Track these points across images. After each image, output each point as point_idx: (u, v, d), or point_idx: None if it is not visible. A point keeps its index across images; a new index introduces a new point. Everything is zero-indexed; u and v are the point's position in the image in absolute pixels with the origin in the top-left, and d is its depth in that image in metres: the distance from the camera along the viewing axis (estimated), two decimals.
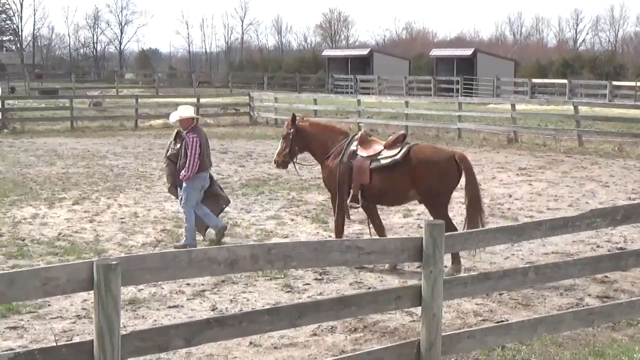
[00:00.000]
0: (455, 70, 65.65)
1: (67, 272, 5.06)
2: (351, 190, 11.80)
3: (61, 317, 9.25)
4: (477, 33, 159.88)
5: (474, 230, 7.34)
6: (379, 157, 11.67)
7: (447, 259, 10.03)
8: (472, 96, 54.45)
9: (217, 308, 9.62)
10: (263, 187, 18.95)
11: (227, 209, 14.11)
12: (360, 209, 12.24)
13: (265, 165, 22.85)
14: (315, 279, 10.90)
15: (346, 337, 8.64)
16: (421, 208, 16.07)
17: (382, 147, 11.77)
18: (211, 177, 13.40)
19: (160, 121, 36.91)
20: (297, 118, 12.63)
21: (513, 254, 12.36)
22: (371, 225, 12.28)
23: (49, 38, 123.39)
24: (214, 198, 13.38)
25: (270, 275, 10.87)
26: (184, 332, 5.57)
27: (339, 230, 12.17)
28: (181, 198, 12.93)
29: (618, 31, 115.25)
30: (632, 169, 22.34)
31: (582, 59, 79.42)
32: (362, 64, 74.49)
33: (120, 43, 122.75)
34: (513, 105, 31.59)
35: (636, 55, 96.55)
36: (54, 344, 5.39)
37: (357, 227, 14.36)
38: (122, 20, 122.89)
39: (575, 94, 52.64)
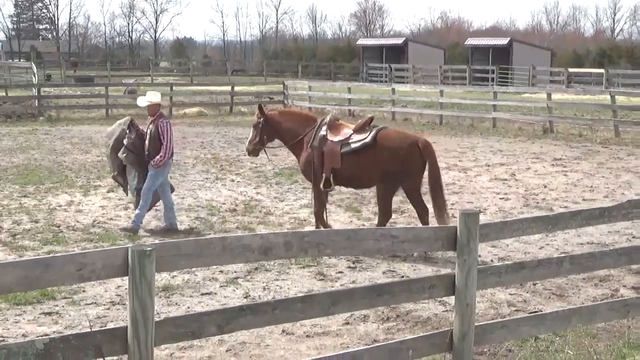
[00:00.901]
0: (491, 59, 65.24)
1: (103, 257, 5.08)
2: (323, 175, 12.06)
3: (95, 303, 9.31)
4: (513, 22, 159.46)
5: (509, 219, 7.28)
6: (349, 142, 11.95)
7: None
8: (507, 85, 54.09)
9: (249, 295, 9.64)
10: (297, 175, 18.93)
11: (260, 197, 14.15)
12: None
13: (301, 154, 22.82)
14: (348, 267, 10.89)
15: (379, 326, 8.63)
16: (454, 198, 16.05)
17: (352, 132, 12.04)
18: None
19: (194, 109, 37.04)
20: (266, 109, 13.00)
21: (547, 244, 12.28)
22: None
23: (84, 26, 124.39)
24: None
25: (303, 263, 10.88)
26: (217, 319, 5.58)
27: (319, 217, 12.42)
28: (131, 185, 13.21)
29: None
30: None
31: (620, 49, 78.66)
32: (396, 53, 74.18)
33: (155, 32, 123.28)
34: (549, 95, 31.33)
35: None
36: (89, 330, 5.41)
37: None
38: (157, 9, 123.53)
39: (612, 83, 52.11)
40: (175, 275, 10.22)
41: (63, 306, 9.17)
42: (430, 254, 11.31)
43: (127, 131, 13.13)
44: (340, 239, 5.97)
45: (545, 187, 17.65)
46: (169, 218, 13.15)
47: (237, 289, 9.92)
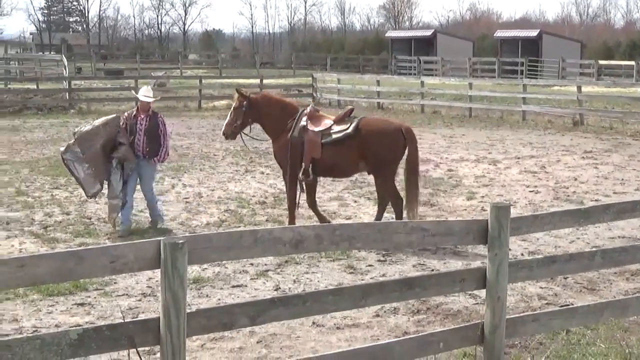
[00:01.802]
0: (520, 51, 64.90)
1: (135, 250, 5.11)
2: (302, 164, 12.16)
3: (127, 294, 9.38)
4: (543, 14, 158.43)
5: (540, 213, 7.25)
6: (330, 132, 12.10)
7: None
8: (537, 78, 53.82)
9: (280, 288, 9.67)
10: None
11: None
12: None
13: None
14: (378, 261, 10.89)
15: (409, 318, 8.63)
16: (484, 190, 16.00)
17: (332, 122, 12.21)
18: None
19: (224, 102, 37.08)
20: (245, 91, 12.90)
21: (578, 238, 12.22)
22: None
23: (114, 19, 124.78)
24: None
25: (333, 256, 10.89)
26: (248, 310, 5.60)
27: (292, 204, 12.51)
28: (117, 187, 12.60)
29: None
30: None
31: None
32: (425, 45, 73.97)
33: (184, 24, 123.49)
34: (579, 87, 31.10)
35: None
36: (122, 321, 5.45)
37: (420, 209, 14.31)
38: (186, 1, 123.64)
39: None
40: (206, 268, 10.27)
41: (95, 297, 9.24)
42: (459, 248, 11.29)
43: (118, 130, 12.65)
44: (371, 232, 5.96)
45: (576, 179, 17.55)
46: (127, 215, 12.71)
47: (267, 281, 9.95)
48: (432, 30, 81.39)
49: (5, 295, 9.07)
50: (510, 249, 6.41)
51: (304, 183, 12.41)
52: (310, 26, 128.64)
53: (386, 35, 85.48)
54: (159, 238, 5.22)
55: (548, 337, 7.84)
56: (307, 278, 10.11)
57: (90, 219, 13.37)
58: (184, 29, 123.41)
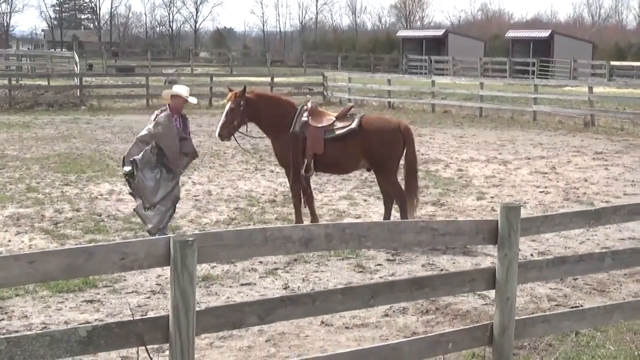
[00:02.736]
0: (531, 51, 64.77)
1: (145, 247, 5.12)
2: (304, 160, 12.14)
3: (136, 292, 9.38)
4: (554, 14, 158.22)
5: (551, 214, 7.23)
6: (333, 128, 12.11)
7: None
8: (548, 78, 53.70)
9: (289, 287, 9.67)
10: None
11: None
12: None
13: None
14: (387, 260, 10.88)
15: (418, 318, 8.62)
16: (494, 191, 15.98)
17: (334, 119, 12.20)
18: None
19: None
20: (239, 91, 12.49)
21: (588, 239, 12.19)
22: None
23: (125, 16, 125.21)
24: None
25: (342, 255, 10.89)
26: (258, 309, 5.59)
27: (298, 201, 12.48)
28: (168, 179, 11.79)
29: None
30: None
31: None
32: (436, 45, 73.90)
33: (196, 22, 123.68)
34: (590, 88, 31.01)
35: None
36: (131, 318, 5.45)
37: (430, 208, 14.32)
38: None
39: None
40: (215, 266, 10.27)
41: (104, 294, 9.25)
42: (468, 247, 11.27)
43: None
44: (381, 231, 5.96)
45: (586, 181, 17.51)
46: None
47: (276, 279, 9.95)
48: (444, 30, 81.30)
49: (15, 291, 9.09)
50: (520, 250, 6.40)
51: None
52: (321, 25, 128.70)
53: (397, 34, 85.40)
54: (169, 235, 5.22)
55: (557, 338, 7.82)
56: (316, 277, 10.11)
57: (100, 215, 13.39)
58: (195, 26, 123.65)
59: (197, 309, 5.28)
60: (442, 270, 10.37)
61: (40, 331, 5.72)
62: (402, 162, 12.48)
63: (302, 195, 12.49)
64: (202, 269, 9.93)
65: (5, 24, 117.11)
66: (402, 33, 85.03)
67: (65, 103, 34.83)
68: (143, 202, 11.49)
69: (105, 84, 42.14)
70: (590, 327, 7.74)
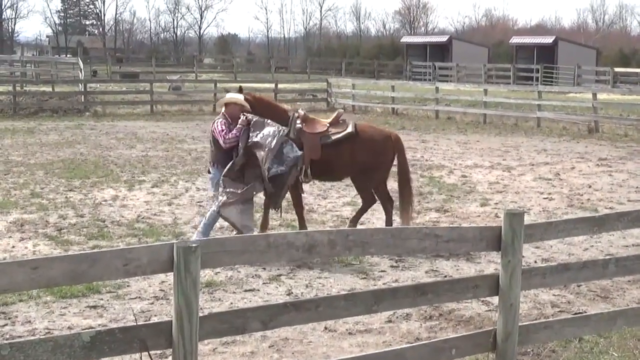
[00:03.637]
0: (536, 58, 64.74)
1: (148, 253, 5.12)
2: (302, 167, 12.07)
3: (140, 297, 9.39)
4: (559, 20, 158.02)
5: (554, 220, 7.23)
6: (328, 134, 12.16)
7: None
8: (552, 85, 53.69)
9: (292, 293, 9.67)
10: None
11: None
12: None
13: None
14: (391, 266, 10.88)
15: (421, 324, 8.62)
16: (498, 197, 15.97)
17: (328, 125, 12.29)
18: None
19: None
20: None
21: (592, 246, 12.18)
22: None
23: (130, 22, 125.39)
24: None
25: (345, 261, 10.89)
26: (261, 315, 5.60)
27: (299, 207, 12.47)
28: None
29: None
30: None
31: None
32: (440, 51, 73.89)
33: (200, 28, 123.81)
34: (594, 95, 31.02)
35: None
36: (134, 324, 5.46)
37: (433, 215, 14.32)
38: (202, 5, 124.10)
39: None
40: (219, 272, 10.28)
41: (108, 300, 9.26)
42: (472, 254, 11.27)
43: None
44: (384, 237, 5.96)
45: (590, 187, 17.50)
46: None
47: (279, 286, 9.95)
48: (448, 36, 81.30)
49: (19, 297, 9.10)
50: (523, 256, 6.40)
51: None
52: (325, 31, 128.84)
53: (401, 40, 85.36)
54: (172, 241, 5.23)
55: (561, 345, 7.81)
56: (320, 283, 10.11)
57: (104, 221, 13.40)
58: (200, 32, 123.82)
59: (200, 314, 5.29)
60: (445, 276, 10.36)
61: (44, 336, 5.73)
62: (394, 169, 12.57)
63: (302, 201, 12.50)
64: (206, 275, 9.94)
65: (10, 30, 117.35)
66: (406, 39, 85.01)
67: (69, 109, 34.90)
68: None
69: (109, 90, 42.26)
70: (593, 334, 7.73)
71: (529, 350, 7.67)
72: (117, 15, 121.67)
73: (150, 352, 5.27)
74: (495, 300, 6.85)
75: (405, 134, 28.27)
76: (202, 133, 27.76)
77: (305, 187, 12.87)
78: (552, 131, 29.39)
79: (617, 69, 57.01)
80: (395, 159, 12.52)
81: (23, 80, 46.30)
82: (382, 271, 10.65)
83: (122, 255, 5.06)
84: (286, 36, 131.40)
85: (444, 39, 78.41)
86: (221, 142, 11.59)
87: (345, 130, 12.13)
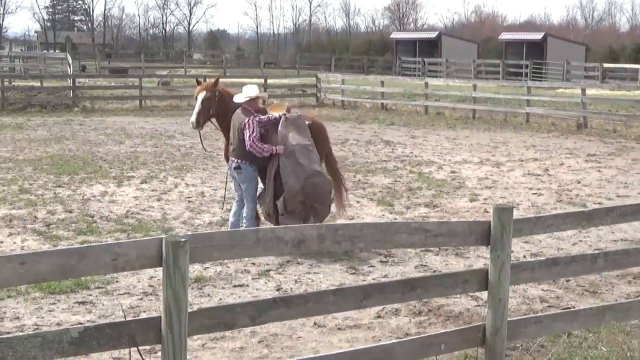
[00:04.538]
0: (525, 54, 64.86)
1: (137, 248, 5.11)
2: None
3: (128, 293, 9.37)
4: (548, 17, 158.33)
5: (543, 215, 7.24)
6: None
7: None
8: (541, 80, 53.76)
9: (282, 288, 9.67)
10: None
11: None
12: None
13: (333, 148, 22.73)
14: (380, 262, 10.88)
15: (410, 320, 8.62)
16: (487, 193, 15.99)
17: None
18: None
19: None
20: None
21: (581, 240, 12.20)
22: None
23: (119, 18, 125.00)
24: None
25: (335, 256, 10.88)
26: (250, 310, 5.59)
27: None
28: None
29: None
30: None
31: None
32: (430, 47, 73.92)
33: (189, 24, 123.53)
34: (583, 90, 31.03)
35: None
36: (123, 319, 5.45)
37: (423, 210, 14.32)
38: (191, 1, 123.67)
39: None
40: (208, 267, 10.27)
41: (97, 296, 9.24)
42: (461, 249, 11.28)
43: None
44: (373, 232, 5.96)
45: (579, 182, 17.54)
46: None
47: (269, 281, 9.95)
48: (437, 32, 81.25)
49: (7, 292, 9.07)
50: (512, 251, 6.40)
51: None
52: (315, 27, 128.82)
53: (391, 36, 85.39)
54: (161, 236, 5.22)
55: (549, 339, 7.82)
56: (309, 278, 10.10)
57: (92, 217, 13.37)
58: (189, 28, 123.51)
59: (189, 310, 5.27)
60: (434, 271, 10.38)
61: (32, 332, 5.71)
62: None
63: None
64: (195, 270, 9.93)
65: None
66: (396, 35, 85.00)
67: (58, 104, 34.79)
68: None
69: (98, 85, 42.15)
70: (582, 329, 7.75)
71: (518, 345, 7.68)
72: (106, 11, 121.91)
73: (139, 347, 5.26)
74: (484, 295, 6.85)
75: (394, 130, 28.34)
76: (192, 129, 27.66)
77: None
78: (541, 127, 29.43)
79: (606, 65, 57.02)
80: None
81: (11, 76, 46.14)
82: (371, 266, 10.65)
83: (111, 250, 5.04)
84: (275, 32, 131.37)
85: (434, 35, 78.41)
86: (247, 143, 11.30)
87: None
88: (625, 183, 17.56)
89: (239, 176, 11.73)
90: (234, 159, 11.65)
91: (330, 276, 10.19)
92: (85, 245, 5.63)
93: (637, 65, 55.78)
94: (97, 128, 27.65)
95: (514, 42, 69.96)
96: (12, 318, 8.45)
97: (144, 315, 8.04)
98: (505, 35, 73.60)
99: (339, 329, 8.29)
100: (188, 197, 15.25)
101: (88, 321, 8.25)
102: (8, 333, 7.70)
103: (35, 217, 13.29)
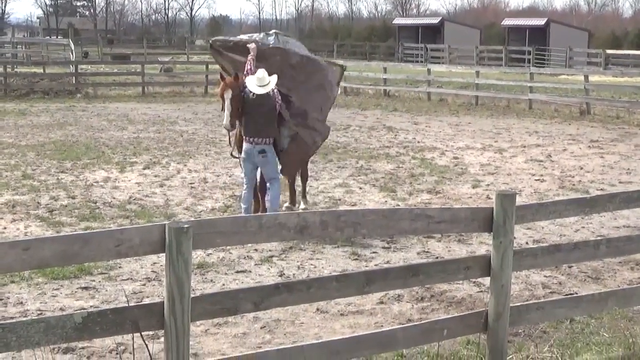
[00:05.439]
0: (527, 40, 64.64)
1: (140, 234, 5.11)
2: None
3: (131, 279, 9.39)
4: (551, 2, 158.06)
5: (545, 202, 7.24)
6: None
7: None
8: (544, 67, 53.64)
9: (284, 274, 9.68)
10: (331, 155, 18.95)
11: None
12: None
13: (334, 133, 22.74)
14: (383, 248, 10.89)
15: (413, 305, 8.64)
16: (490, 179, 15.99)
17: None
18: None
19: None
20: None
21: (583, 227, 12.21)
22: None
23: (121, 4, 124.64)
24: None
25: (337, 242, 10.89)
26: (253, 296, 5.60)
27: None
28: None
29: None
30: None
31: None
32: (432, 33, 73.70)
33: (192, 9, 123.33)
34: (586, 77, 31.03)
35: None
36: (126, 305, 5.46)
37: (425, 196, 14.33)
38: None
39: None
40: (211, 253, 10.28)
41: (100, 281, 9.26)
42: (463, 235, 11.28)
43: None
44: (376, 218, 5.96)
45: (582, 169, 17.53)
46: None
47: (271, 267, 9.96)
48: (440, 18, 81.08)
49: (11, 278, 9.09)
50: (515, 237, 6.40)
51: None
52: (317, 13, 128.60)
53: (393, 22, 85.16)
54: (164, 222, 5.22)
55: (552, 325, 7.84)
56: (312, 264, 10.12)
57: (95, 203, 13.38)
58: (191, 14, 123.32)
59: (192, 295, 5.28)
60: (437, 257, 10.38)
61: (36, 317, 5.72)
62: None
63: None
64: (198, 256, 9.94)
65: (1, 12, 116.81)
66: (398, 21, 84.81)
67: (60, 91, 34.77)
68: None
69: (100, 71, 42.10)
70: (584, 315, 7.76)
71: (520, 331, 7.69)
72: None
73: (142, 333, 5.27)
74: (486, 281, 6.86)
75: (397, 116, 28.33)
76: (194, 115, 27.72)
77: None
78: (544, 113, 29.39)
79: (608, 51, 56.89)
80: None
81: (14, 62, 46.12)
82: (374, 252, 10.66)
83: (114, 236, 5.05)
84: (278, 18, 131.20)
85: (436, 20, 78.18)
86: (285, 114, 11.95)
87: None
88: (628, 169, 17.55)
89: (263, 159, 11.65)
90: (259, 141, 11.57)
91: (332, 262, 10.20)
92: (88, 231, 5.63)
93: None
94: (100, 114, 27.64)
95: (517, 28, 69.74)
96: (16, 303, 8.48)
97: (147, 301, 8.05)
98: (507, 21, 73.45)
99: (341, 314, 8.31)
100: (191, 183, 15.25)
101: (91, 306, 8.27)
102: (12, 318, 7.71)
103: (39, 203, 13.30)
